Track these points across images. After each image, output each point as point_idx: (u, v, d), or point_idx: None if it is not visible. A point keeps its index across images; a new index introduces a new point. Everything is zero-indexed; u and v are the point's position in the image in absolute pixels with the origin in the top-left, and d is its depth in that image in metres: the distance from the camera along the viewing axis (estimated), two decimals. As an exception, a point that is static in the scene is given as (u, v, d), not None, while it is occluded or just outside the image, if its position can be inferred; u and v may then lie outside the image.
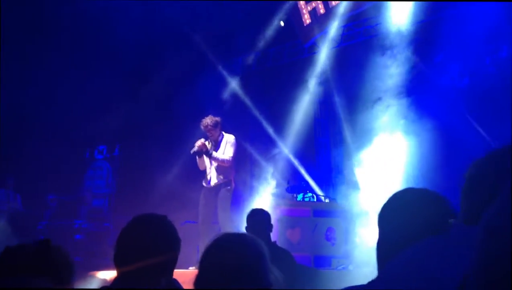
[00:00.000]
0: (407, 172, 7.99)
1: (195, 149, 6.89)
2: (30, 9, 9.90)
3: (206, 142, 6.99)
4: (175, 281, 2.23)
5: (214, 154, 6.90)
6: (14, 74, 9.60)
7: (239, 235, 1.78)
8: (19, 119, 9.87)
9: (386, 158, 8.26)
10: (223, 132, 7.13)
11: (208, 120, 6.93)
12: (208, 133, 6.97)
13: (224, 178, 6.93)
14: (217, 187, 6.93)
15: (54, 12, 9.80)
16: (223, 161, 6.95)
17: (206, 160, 7.04)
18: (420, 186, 1.60)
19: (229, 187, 6.98)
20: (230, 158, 7.00)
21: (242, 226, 5.04)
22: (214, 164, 6.96)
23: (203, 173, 7.15)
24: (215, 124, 6.93)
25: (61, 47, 10.45)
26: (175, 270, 2.14)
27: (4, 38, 9.00)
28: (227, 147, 7.03)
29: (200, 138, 7.01)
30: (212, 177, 6.96)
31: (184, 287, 2.29)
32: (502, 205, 0.65)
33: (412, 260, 1.23)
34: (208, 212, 7.01)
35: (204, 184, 7.08)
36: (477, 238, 0.67)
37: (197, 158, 7.03)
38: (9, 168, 9.84)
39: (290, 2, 10.50)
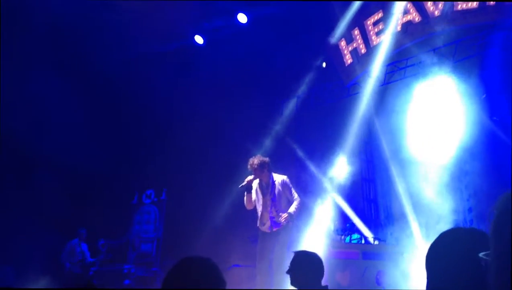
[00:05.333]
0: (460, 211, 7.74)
1: (244, 183, 6.70)
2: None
3: (255, 181, 6.76)
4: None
5: (291, 210, 6.59)
6: (61, 124, 9.99)
7: None
8: (69, 167, 10.11)
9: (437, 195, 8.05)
10: (273, 173, 6.88)
11: (255, 159, 6.74)
12: (254, 173, 6.74)
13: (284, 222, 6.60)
14: (277, 232, 6.63)
15: (119, 69, 10.23)
16: (299, 205, 6.74)
17: (258, 200, 6.79)
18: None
19: (289, 233, 6.69)
20: (299, 197, 6.83)
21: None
22: (273, 207, 6.66)
23: (253, 213, 6.91)
24: (262, 165, 6.69)
25: (112, 98, 10.83)
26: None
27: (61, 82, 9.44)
28: (287, 189, 6.77)
29: (247, 176, 6.79)
30: (274, 221, 6.66)
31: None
32: None
33: None
34: (266, 257, 6.67)
35: (261, 227, 6.79)
36: None
37: (245, 194, 6.81)
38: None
39: (332, 43, 10.56)
